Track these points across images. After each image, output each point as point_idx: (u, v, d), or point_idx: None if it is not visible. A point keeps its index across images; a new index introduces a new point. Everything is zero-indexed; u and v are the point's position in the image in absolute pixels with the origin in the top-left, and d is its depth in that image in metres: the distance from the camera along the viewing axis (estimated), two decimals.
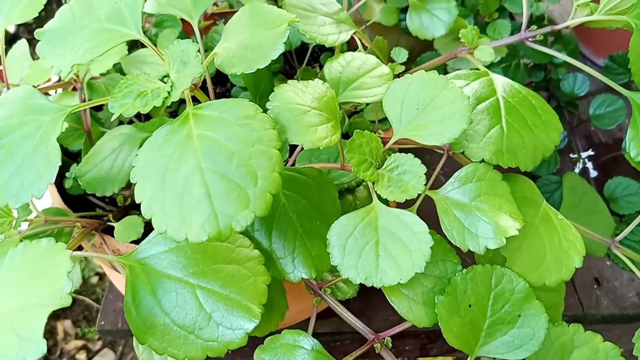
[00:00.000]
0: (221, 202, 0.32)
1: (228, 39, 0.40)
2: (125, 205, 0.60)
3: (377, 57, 0.62)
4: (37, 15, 0.57)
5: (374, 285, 0.36)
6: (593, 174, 0.81)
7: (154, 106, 0.36)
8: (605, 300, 0.78)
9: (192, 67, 0.35)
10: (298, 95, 0.37)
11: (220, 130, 0.34)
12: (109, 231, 0.56)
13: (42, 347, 0.30)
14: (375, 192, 0.38)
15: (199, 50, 0.36)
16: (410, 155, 0.38)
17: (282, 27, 0.37)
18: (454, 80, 0.45)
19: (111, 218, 0.55)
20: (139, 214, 0.61)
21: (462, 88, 0.44)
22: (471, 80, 0.45)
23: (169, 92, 0.35)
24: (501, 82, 0.47)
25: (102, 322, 0.76)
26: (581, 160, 0.82)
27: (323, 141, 0.36)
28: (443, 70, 0.78)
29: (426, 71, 0.41)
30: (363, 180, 0.51)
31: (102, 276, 1.18)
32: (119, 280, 0.73)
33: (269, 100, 0.37)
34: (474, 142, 0.41)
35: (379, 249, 0.36)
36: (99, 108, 0.68)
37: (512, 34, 0.76)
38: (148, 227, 0.55)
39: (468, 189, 0.40)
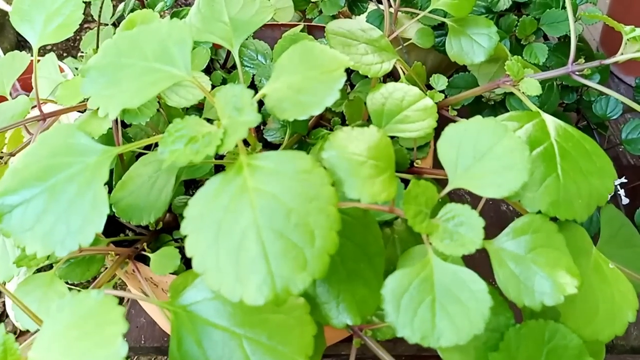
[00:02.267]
0: (278, 263, 0.31)
1: (277, 79, 0.39)
2: (156, 229, 0.59)
3: (417, 83, 0.60)
4: (71, 34, 0.56)
5: (431, 346, 0.34)
6: (625, 201, 0.79)
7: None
8: (635, 331, 0.76)
9: (247, 115, 0.34)
10: (353, 144, 0.36)
11: (277, 184, 0.32)
12: (142, 257, 0.55)
13: None
14: (430, 244, 0.37)
15: (253, 97, 0.35)
16: (466, 207, 0.37)
17: (338, 72, 0.36)
18: (507, 122, 0.44)
19: (145, 247, 0.54)
20: (171, 239, 0.60)
21: (516, 131, 0.43)
22: (524, 122, 0.44)
23: (221, 140, 0.34)
24: (553, 124, 0.45)
25: (125, 339, 0.76)
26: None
27: (381, 195, 0.34)
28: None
29: (482, 116, 0.40)
30: None
31: (122, 288, 1.17)
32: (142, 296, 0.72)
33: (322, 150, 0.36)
34: (530, 191, 0.40)
35: (436, 307, 0.35)
36: (127, 124, 0.67)
37: (548, 58, 0.74)
38: (185, 260, 0.54)
39: (524, 240, 0.39)
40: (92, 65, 0.39)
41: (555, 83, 0.84)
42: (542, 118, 0.45)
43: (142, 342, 0.75)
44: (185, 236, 0.33)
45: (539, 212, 0.40)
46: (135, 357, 1.17)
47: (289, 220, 0.31)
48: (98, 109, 0.38)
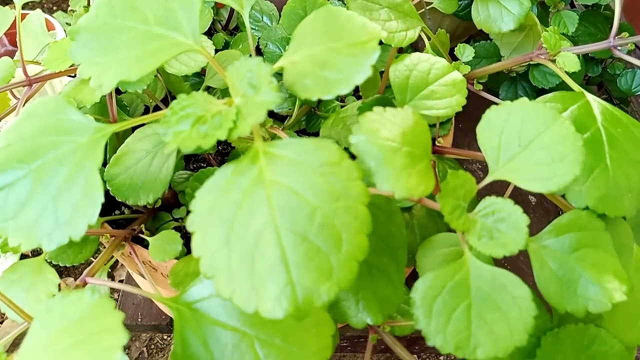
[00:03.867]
0: (300, 271, 0.27)
1: (297, 50, 0.34)
2: (154, 207, 0.55)
3: (441, 54, 0.55)
4: None
5: (466, 358, 0.31)
6: None
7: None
8: None
9: (265, 95, 0.29)
10: (386, 128, 0.31)
11: (299, 177, 0.28)
12: (140, 238, 0.51)
13: None
14: (467, 242, 0.33)
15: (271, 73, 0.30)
16: (508, 201, 0.33)
17: (371, 45, 0.31)
18: (549, 103, 0.39)
19: (143, 228, 0.49)
20: (171, 219, 0.56)
21: None
22: (568, 105, 0.39)
23: (234, 122, 0.29)
24: (599, 106, 0.40)
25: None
26: None
27: (418, 189, 0.30)
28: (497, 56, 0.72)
29: (501, 88, 0.35)
30: None
31: (115, 264, 1.13)
32: (140, 278, 0.69)
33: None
34: (577, 185, 0.35)
35: (472, 314, 0.31)
36: (122, 91, 0.61)
37: (576, 29, 0.69)
38: (186, 241, 0.50)
39: (568, 239, 0.35)
40: (82, 26, 0.34)
41: (580, 55, 0.78)
42: (586, 100, 0.41)
43: (139, 319, 0.72)
44: (192, 233, 0.29)
45: (586, 207, 0.36)
46: (132, 335, 1.14)
47: (312, 220, 0.27)
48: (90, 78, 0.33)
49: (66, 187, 0.31)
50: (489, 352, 0.30)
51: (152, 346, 1.21)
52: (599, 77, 0.82)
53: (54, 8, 1.83)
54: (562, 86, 0.56)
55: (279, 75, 0.41)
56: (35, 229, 0.31)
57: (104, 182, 0.51)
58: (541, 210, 0.84)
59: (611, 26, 0.82)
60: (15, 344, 0.40)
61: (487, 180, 0.34)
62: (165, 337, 1.20)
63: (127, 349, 1.15)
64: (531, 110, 0.34)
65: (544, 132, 0.33)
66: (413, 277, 0.36)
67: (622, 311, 0.37)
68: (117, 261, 1.13)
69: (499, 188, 0.42)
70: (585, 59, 0.80)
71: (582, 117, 0.39)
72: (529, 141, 0.33)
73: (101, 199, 0.31)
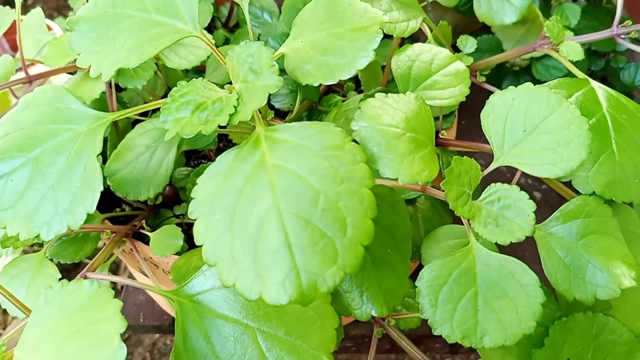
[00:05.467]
0: (304, 256, 0.26)
1: (298, 36, 0.33)
2: (155, 204, 0.54)
3: (443, 45, 0.54)
4: None
5: (473, 346, 0.30)
6: None
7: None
8: None
9: (266, 79, 0.29)
10: (388, 114, 0.31)
11: (301, 161, 0.27)
12: (141, 235, 0.50)
13: None
14: (472, 229, 0.32)
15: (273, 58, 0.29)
16: (514, 187, 0.32)
17: (373, 29, 0.30)
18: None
19: (144, 224, 0.49)
20: (172, 215, 0.55)
21: None
22: (572, 91, 0.39)
23: (235, 108, 0.29)
24: (603, 93, 0.40)
25: (123, 317, 0.72)
26: None
27: (422, 174, 0.29)
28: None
29: (504, 83, 0.35)
30: None
31: (117, 268, 1.12)
32: (141, 276, 0.68)
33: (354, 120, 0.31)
34: (583, 171, 0.35)
35: (479, 302, 0.31)
36: (122, 88, 0.61)
37: (579, 22, 0.68)
38: (187, 238, 0.49)
39: (575, 225, 0.34)
40: (81, 16, 0.34)
41: (583, 48, 0.78)
42: (591, 86, 0.40)
43: (141, 320, 0.71)
44: (193, 220, 0.28)
45: (593, 193, 0.35)
46: (134, 335, 1.14)
47: (316, 205, 0.26)
48: (89, 69, 0.33)
49: (65, 175, 0.31)
50: (496, 341, 0.30)
51: (155, 351, 1.20)
52: (602, 70, 0.82)
53: (55, 14, 1.84)
54: None
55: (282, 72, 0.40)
56: (34, 217, 0.30)
57: (104, 178, 0.51)
58: (546, 206, 0.83)
59: (613, 19, 0.82)
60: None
61: (493, 166, 0.34)
62: (168, 341, 1.19)
63: (130, 354, 1.14)
64: (536, 94, 0.33)
65: (549, 117, 0.33)
66: (418, 272, 0.36)
67: (631, 300, 0.37)
68: (118, 265, 1.12)
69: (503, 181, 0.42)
70: (588, 52, 0.79)
71: (587, 103, 0.38)
72: (534, 126, 0.33)
73: (100, 187, 0.30)
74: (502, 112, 0.33)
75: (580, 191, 0.35)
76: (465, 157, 0.32)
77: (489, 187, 0.33)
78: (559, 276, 0.33)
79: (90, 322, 0.27)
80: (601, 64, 0.79)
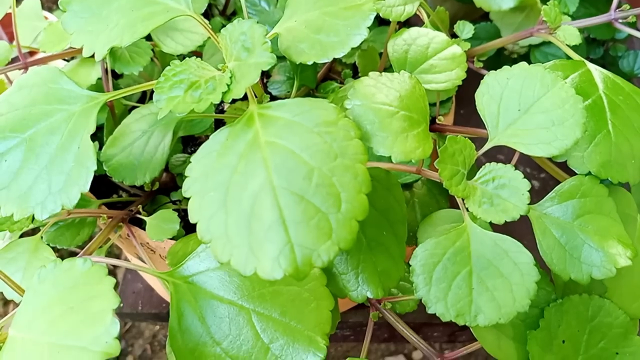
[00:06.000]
0: (298, 231, 0.26)
1: (292, 16, 0.33)
2: (152, 190, 0.54)
3: (439, 30, 0.54)
4: None
5: (467, 324, 0.30)
6: None
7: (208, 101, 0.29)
8: None
9: (258, 57, 0.28)
10: (382, 92, 0.31)
11: (295, 138, 0.27)
12: (137, 220, 0.50)
13: None
14: (467, 209, 0.32)
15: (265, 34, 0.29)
16: (509, 167, 0.32)
17: (366, 6, 0.30)
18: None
19: (140, 209, 0.49)
20: (169, 201, 0.55)
21: None
22: (569, 72, 0.39)
23: (228, 86, 0.29)
24: (600, 75, 0.40)
25: (121, 305, 0.72)
26: None
27: (415, 152, 0.29)
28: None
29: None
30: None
31: (118, 256, 1.12)
32: (138, 262, 0.68)
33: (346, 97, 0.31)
34: (579, 151, 0.35)
35: (473, 281, 0.31)
36: (118, 75, 0.61)
37: (577, 9, 0.68)
38: (184, 223, 0.49)
39: (571, 206, 0.34)
40: None
41: (582, 36, 0.78)
42: (587, 68, 0.40)
43: (140, 308, 0.71)
44: (187, 199, 0.28)
45: (588, 173, 0.35)
46: (135, 327, 1.14)
47: (309, 180, 0.26)
48: (83, 49, 0.33)
49: (59, 155, 0.31)
50: (490, 319, 0.30)
51: (156, 343, 1.20)
52: (601, 59, 0.81)
53: (54, 7, 1.83)
54: None
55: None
56: (28, 197, 0.30)
57: (100, 163, 0.51)
58: (544, 194, 0.83)
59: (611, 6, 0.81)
60: None
61: (487, 146, 0.34)
62: (165, 325, 1.19)
63: (130, 346, 1.14)
64: (531, 74, 0.33)
65: (544, 96, 0.33)
66: None
67: (627, 282, 0.37)
68: (118, 257, 1.12)
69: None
70: (587, 41, 0.79)
71: (584, 84, 0.38)
72: (529, 105, 0.33)
73: (94, 167, 0.30)
74: (497, 91, 0.33)
75: (576, 171, 0.35)
76: (459, 136, 0.32)
77: (483, 167, 0.33)
78: (554, 256, 0.33)
79: (84, 299, 0.27)
80: (600, 52, 0.79)
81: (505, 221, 0.31)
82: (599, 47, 0.79)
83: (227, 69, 0.30)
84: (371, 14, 0.30)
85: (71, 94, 0.32)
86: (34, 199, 0.30)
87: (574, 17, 0.72)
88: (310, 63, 0.30)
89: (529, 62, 0.70)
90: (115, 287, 0.28)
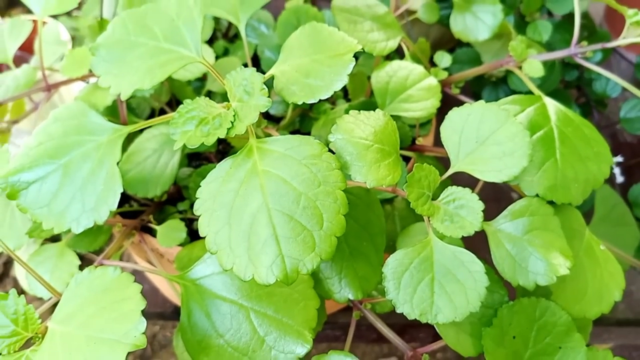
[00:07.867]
0: (288, 245, 0.32)
1: (286, 61, 0.40)
2: (160, 200, 0.60)
3: (420, 61, 0.61)
4: (75, 6, 0.56)
5: (429, 322, 0.36)
6: (620, 179, 0.81)
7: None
8: (622, 304, 0.79)
9: (257, 100, 0.35)
10: (360, 128, 0.37)
11: (286, 168, 0.34)
12: (147, 228, 0.56)
13: None
14: (431, 225, 0.38)
15: (264, 83, 0.35)
16: (467, 190, 0.38)
17: (347, 57, 0.37)
18: (509, 105, 0.45)
19: (151, 218, 0.55)
20: (176, 211, 0.61)
21: (518, 115, 0.44)
22: (525, 106, 0.45)
23: (232, 123, 0.35)
24: (554, 108, 0.46)
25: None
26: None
27: (386, 179, 0.36)
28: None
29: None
30: None
31: (121, 256, 1.18)
32: (148, 265, 0.74)
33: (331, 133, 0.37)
34: (529, 176, 0.41)
35: (435, 286, 0.37)
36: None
37: (551, 35, 0.74)
38: (189, 231, 0.55)
39: (521, 222, 0.40)
40: (101, 43, 0.40)
41: (556, 61, 0.84)
42: (543, 102, 0.46)
43: (146, 307, 0.77)
44: (193, 210, 0.35)
45: (537, 195, 0.41)
46: None
47: (298, 203, 0.33)
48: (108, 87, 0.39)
49: (90, 179, 0.37)
50: (448, 317, 0.36)
51: (156, 343, 1.26)
52: (577, 80, 0.88)
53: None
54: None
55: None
56: (65, 214, 0.36)
57: None
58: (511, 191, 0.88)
59: (587, 33, 0.88)
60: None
61: (449, 172, 0.40)
62: (168, 333, 1.26)
63: None
64: (487, 110, 0.39)
65: (498, 130, 0.39)
66: None
67: (571, 287, 0.43)
68: (127, 260, 1.18)
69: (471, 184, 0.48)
70: (563, 63, 0.85)
71: (538, 117, 0.44)
72: (485, 138, 0.39)
73: (120, 189, 0.36)
74: (459, 125, 0.40)
75: (526, 193, 0.41)
76: (425, 164, 0.38)
77: (446, 189, 0.39)
78: (505, 265, 0.39)
79: (115, 301, 0.33)
80: (575, 75, 0.85)
81: (462, 236, 0.37)
82: (574, 70, 0.85)
83: (230, 107, 0.36)
84: (350, 64, 0.36)
85: (98, 126, 0.38)
86: (70, 216, 0.36)
87: (550, 43, 0.78)
88: (300, 103, 0.36)
89: (507, 84, 0.77)
90: (141, 291, 0.34)
